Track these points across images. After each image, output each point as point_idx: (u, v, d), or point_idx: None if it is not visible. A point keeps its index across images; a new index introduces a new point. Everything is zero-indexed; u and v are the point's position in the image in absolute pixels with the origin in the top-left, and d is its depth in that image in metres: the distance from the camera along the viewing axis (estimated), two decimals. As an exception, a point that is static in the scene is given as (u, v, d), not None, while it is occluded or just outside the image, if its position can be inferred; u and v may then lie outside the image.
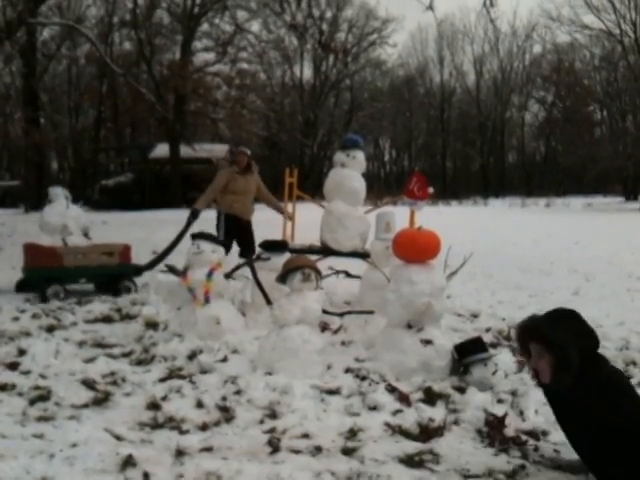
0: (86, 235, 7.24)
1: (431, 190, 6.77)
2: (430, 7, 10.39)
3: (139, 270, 7.20)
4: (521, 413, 3.44)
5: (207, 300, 4.84)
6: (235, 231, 7.24)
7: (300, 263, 4.29)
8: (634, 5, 36.69)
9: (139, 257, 10.22)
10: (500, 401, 3.63)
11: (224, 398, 3.62)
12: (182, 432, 3.21)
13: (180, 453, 2.94)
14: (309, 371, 3.96)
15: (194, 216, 7.06)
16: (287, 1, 16.81)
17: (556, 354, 2.60)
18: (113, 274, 6.89)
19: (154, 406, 3.54)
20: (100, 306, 6.18)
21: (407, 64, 54.04)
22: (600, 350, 4.58)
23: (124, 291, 6.78)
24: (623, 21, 37.37)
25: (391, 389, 3.73)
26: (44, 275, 6.58)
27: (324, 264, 6.68)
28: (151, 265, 7.21)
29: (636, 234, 14.67)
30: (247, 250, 7.08)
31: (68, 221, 6.67)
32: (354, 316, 5.12)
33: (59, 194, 7.12)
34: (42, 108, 30.43)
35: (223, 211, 7.35)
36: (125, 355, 4.59)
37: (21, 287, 6.95)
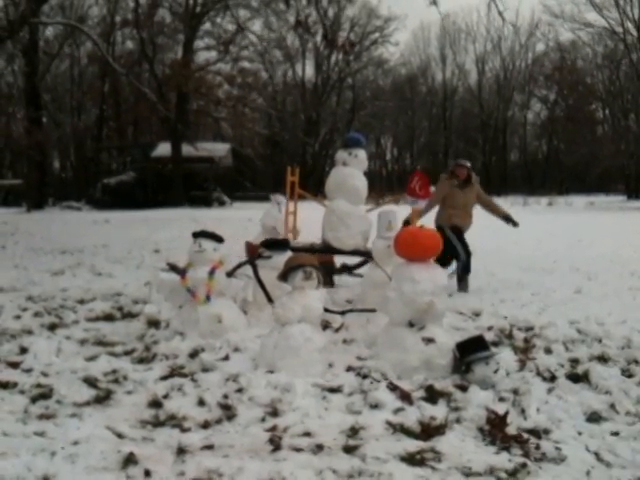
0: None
1: (433, 189, 6.79)
2: (434, 2, 10.39)
3: (345, 269, 7.16)
4: (523, 411, 3.43)
5: (208, 298, 4.84)
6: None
7: (301, 261, 4.29)
8: (637, 3, 36.60)
9: (143, 255, 10.26)
10: (502, 399, 3.63)
11: (225, 396, 3.62)
12: (183, 430, 3.20)
13: (181, 451, 2.94)
14: (311, 369, 3.96)
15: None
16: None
17: None
18: None
19: (155, 404, 3.54)
20: (102, 304, 6.18)
21: (409, 63, 54.20)
22: (602, 349, 4.62)
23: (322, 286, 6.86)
24: (626, 19, 37.32)
25: (393, 387, 3.73)
26: None
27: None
28: (356, 267, 7.08)
29: (638, 232, 14.64)
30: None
31: (277, 224, 6.92)
32: (356, 314, 5.12)
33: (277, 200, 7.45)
34: (44, 107, 30.50)
35: (444, 224, 7.19)
36: (127, 353, 4.59)
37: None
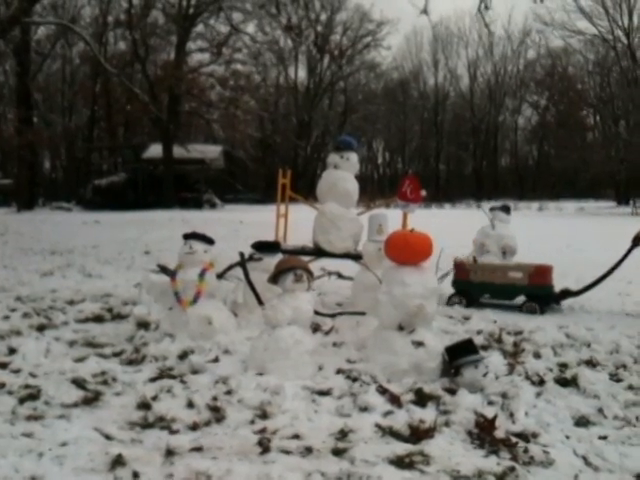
0: (504, 254, 7.19)
1: (424, 193, 6.80)
2: (425, 11, 10.43)
3: (565, 294, 6.70)
4: (511, 415, 3.44)
5: (195, 300, 4.83)
6: None
7: (292, 264, 4.29)
8: (627, 11, 36.96)
9: (133, 257, 10.22)
10: (490, 403, 3.64)
11: (215, 398, 3.61)
12: (172, 432, 3.19)
13: (170, 453, 2.93)
14: (300, 372, 3.96)
15: (635, 244, 6.60)
16: (283, 3, 16.86)
17: None
18: (521, 293, 6.62)
19: (144, 406, 3.53)
20: (91, 305, 6.15)
21: (401, 67, 54.37)
22: (590, 353, 4.64)
23: (526, 311, 6.42)
24: (616, 27, 37.65)
25: (382, 390, 3.73)
26: (454, 286, 6.82)
27: (316, 265, 6.70)
28: (580, 292, 6.70)
29: (627, 238, 14.68)
30: None
31: (486, 240, 6.83)
32: (346, 317, 5.13)
33: (495, 216, 7.44)
34: (35, 107, 30.34)
35: None
36: (116, 355, 4.57)
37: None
